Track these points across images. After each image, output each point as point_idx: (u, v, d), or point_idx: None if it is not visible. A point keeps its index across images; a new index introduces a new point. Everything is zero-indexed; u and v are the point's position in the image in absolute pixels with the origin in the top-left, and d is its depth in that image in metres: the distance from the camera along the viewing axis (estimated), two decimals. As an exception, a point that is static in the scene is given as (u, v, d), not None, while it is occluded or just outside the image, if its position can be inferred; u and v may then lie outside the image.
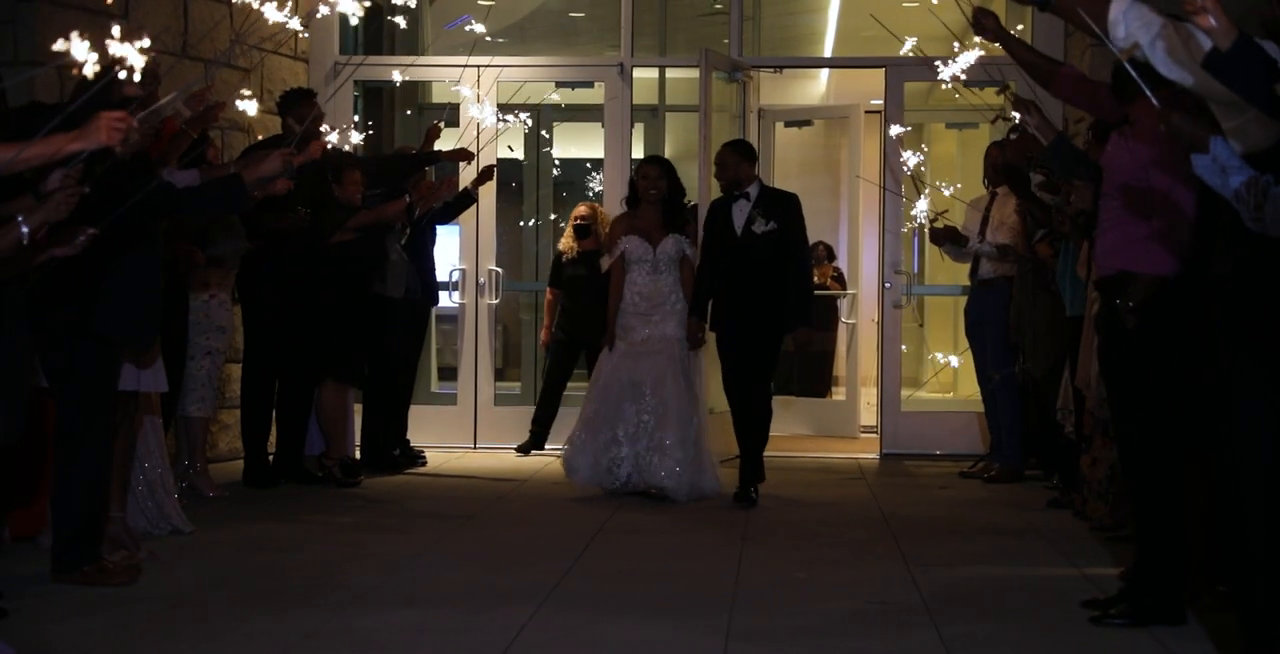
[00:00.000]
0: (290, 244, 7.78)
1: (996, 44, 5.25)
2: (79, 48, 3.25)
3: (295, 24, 4.87)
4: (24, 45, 7.39)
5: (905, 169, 8.76)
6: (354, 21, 7.77)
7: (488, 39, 9.20)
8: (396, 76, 8.65)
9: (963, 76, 6.23)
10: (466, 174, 9.42)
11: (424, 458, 9.09)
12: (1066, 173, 5.72)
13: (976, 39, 5.54)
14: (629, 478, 7.67)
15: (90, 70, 3.36)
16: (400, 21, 7.36)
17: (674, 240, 7.92)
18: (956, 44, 6.46)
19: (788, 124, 11.44)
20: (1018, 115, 5.53)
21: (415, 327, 9.02)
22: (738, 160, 7.77)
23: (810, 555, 6.12)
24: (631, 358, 7.80)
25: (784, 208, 7.70)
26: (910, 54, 6.77)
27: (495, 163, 9.59)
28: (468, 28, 9.28)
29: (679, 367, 7.79)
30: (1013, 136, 7.93)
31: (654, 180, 7.91)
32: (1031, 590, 5.44)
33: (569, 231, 9.61)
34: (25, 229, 3.93)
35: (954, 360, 9.23)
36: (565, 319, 9.56)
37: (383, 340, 8.54)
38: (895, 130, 8.91)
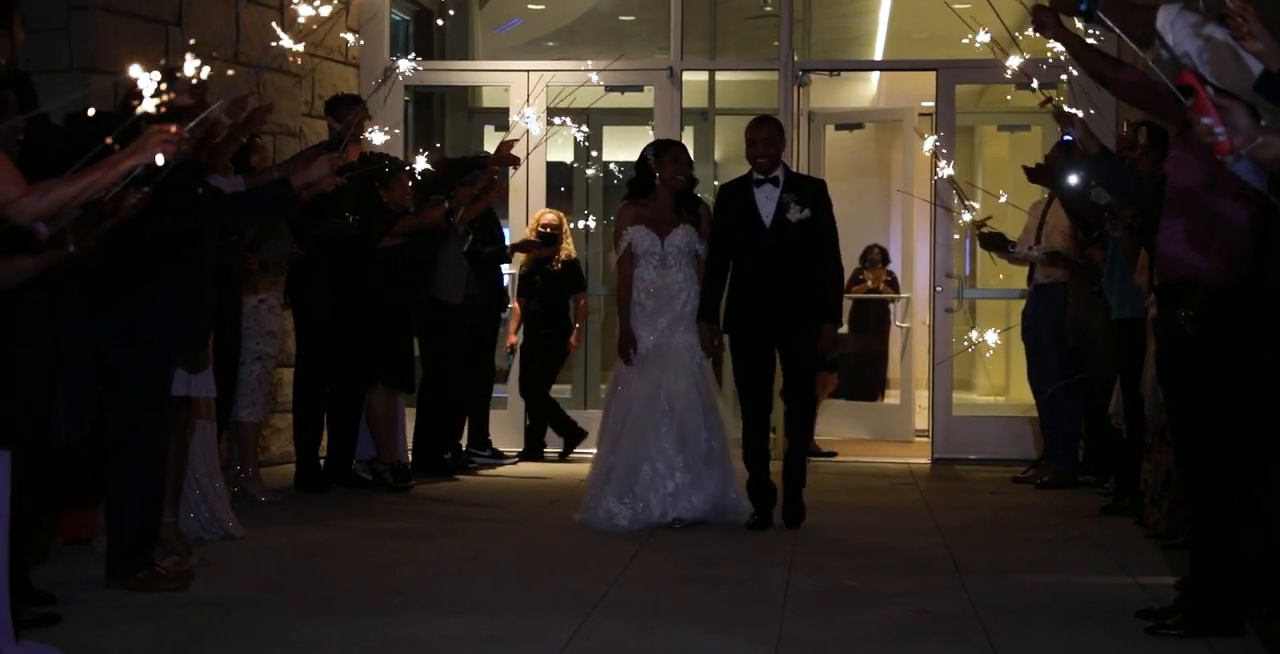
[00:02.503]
0: (340, 249, 7.81)
1: (1056, 42, 5.15)
2: (137, 71, 3.26)
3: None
4: (78, 52, 7.44)
5: (944, 177, 8.69)
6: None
7: (549, 45, 9.16)
8: (404, 65, 8.40)
9: (1009, 77, 6.10)
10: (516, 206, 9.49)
11: (476, 461, 9.15)
12: (1108, 186, 5.63)
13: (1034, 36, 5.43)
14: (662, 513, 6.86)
15: (148, 89, 3.37)
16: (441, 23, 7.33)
17: (684, 231, 7.09)
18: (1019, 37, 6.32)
19: (839, 127, 11.39)
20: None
21: (481, 332, 9.06)
22: (782, 139, 7.09)
23: (861, 563, 6.08)
24: (646, 379, 6.97)
25: (816, 194, 7.00)
26: (985, 44, 6.55)
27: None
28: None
29: (692, 380, 6.99)
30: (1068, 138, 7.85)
31: (683, 165, 7.14)
32: (1085, 599, 5.38)
33: (532, 235, 9.53)
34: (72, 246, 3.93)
35: (991, 336, 9.16)
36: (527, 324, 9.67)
37: (438, 345, 8.59)
38: (929, 144, 8.74)
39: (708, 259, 7.06)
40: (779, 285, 6.88)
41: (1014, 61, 6.10)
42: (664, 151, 7.18)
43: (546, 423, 9.62)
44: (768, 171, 6.94)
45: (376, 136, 8.06)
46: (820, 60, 10.94)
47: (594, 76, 9.34)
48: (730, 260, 6.98)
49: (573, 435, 9.53)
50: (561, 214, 9.81)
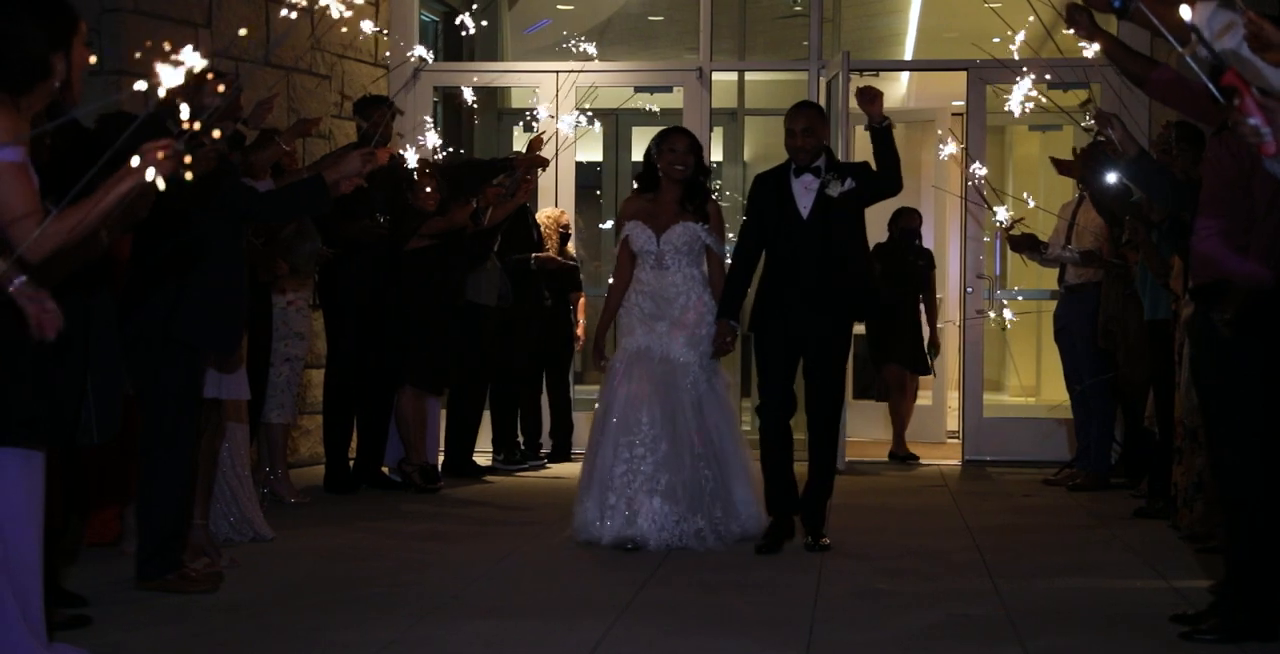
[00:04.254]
0: (370, 250, 7.82)
1: (1090, 41, 5.11)
2: (166, 73, 3.25)
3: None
4: (109, 55, 7.46)
5: (978, 181, 8.61)
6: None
7: (581, 44, 9.08)
8: (468, 94, 8.41)
9: (1030, 91, 6.05)
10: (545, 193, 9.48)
11: (527, 463, 9.20)
12: (1145, 187, 5.58)
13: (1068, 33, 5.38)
14: (619, 531, 6.27)
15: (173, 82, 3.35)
16: (469, 22, 7.32)
17: (684, 228, 6.50)
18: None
19: (868, 127, 11.31)
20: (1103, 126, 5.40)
21: (514, 333, 9.06)
22: (824, 126, 6.53)
23: (891, 566, 6.05)
24: (633, 388, 6.36)
25: (859, 169, 6.46)
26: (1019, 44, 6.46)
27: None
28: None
29: (691, 396, 6.39)
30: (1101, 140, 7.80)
31: (682, 154, 6.53)
32: (1119, 604, 5.34)
33: (556, 239, 9.42)
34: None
35: (1008, 314, 9.16)
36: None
37: (474, 347, 8.59)
38: (949, 149, 8.54)
39: (735, 252, 6.55)
40: (812, 283, 6.31)
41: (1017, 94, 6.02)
42: (663, 140, 6.63)
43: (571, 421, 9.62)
44: (808, 163, 6.38)
45: (430, 138, 8.07)
46: (857, 60, 10.89)
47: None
48: (759, 255, 6.47)
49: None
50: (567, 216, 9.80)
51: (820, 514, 6.45)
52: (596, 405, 6.62)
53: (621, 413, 6.35)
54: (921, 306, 9.99)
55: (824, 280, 6.32)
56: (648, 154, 6.69)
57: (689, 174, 6.56)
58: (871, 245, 9.79)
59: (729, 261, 6.71)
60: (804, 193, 6.35)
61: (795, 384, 6.49)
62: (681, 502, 6.26)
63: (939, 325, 10.98)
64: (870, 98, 6.27)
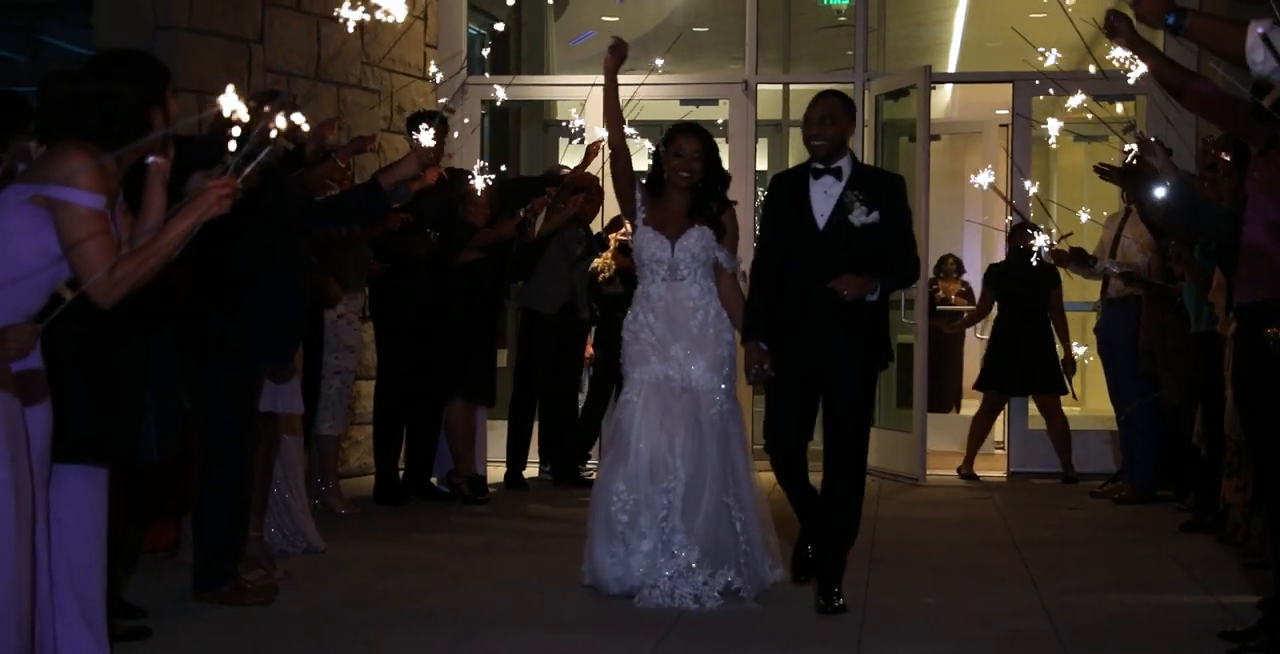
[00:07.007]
0: (421, 264, 7.89)
1: (1129, 50, 5.10)
2: (228, 99, 3.34)
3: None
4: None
5: (1017, 202, 8.54)
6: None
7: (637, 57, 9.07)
8: (500, 92, 8.36)
9: (1081, 101, 6.04)
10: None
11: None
12: (1186, 219, 5.55)
13: (1114, 50, 5.38)
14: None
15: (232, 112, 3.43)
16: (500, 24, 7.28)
17: (699, 233, 5.71)
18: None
19: (912, 138, 11.34)
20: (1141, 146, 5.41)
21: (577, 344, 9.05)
22: (847, 118, 5.60)
23: (939, 580, 6.07)
24: (657, 416, 5.60)
25: (889, 192, 5.55)
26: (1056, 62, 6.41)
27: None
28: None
29: (715, 427, 5.60)
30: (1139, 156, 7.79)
31: (689, 159, 5.71)
32: (1166, 620, 5.35)
33: (613, 249, 9.19)
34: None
35: (1079, 349, 9.12)
36: (606, 336, 9.08)
37: (528, 356, 8.63)
38: (985, 178, 8.44)
39: (754, 265, 5.74)
40: (829, 303, 5.38)
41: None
42: (669, 141, 5.81)
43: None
44: (827, 160, 5.51)
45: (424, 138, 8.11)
46: (897, 73, 10.92)
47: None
48: (780, 266, 5.58)
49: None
50: None
51: (837, 568, 5.53)
52: (610, 435, 5.88)
53: (649, 458, 5.57)
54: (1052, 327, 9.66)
55: (841, 301, 5.37)
56: (655, 155, 5.95)
57: (696, 181, 5.78)
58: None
59: (743, 281, 6.08)
60: (822, 198, 5.50)
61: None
62: (711, 553, 5.49)
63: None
64: (846, 287, 5.33)
